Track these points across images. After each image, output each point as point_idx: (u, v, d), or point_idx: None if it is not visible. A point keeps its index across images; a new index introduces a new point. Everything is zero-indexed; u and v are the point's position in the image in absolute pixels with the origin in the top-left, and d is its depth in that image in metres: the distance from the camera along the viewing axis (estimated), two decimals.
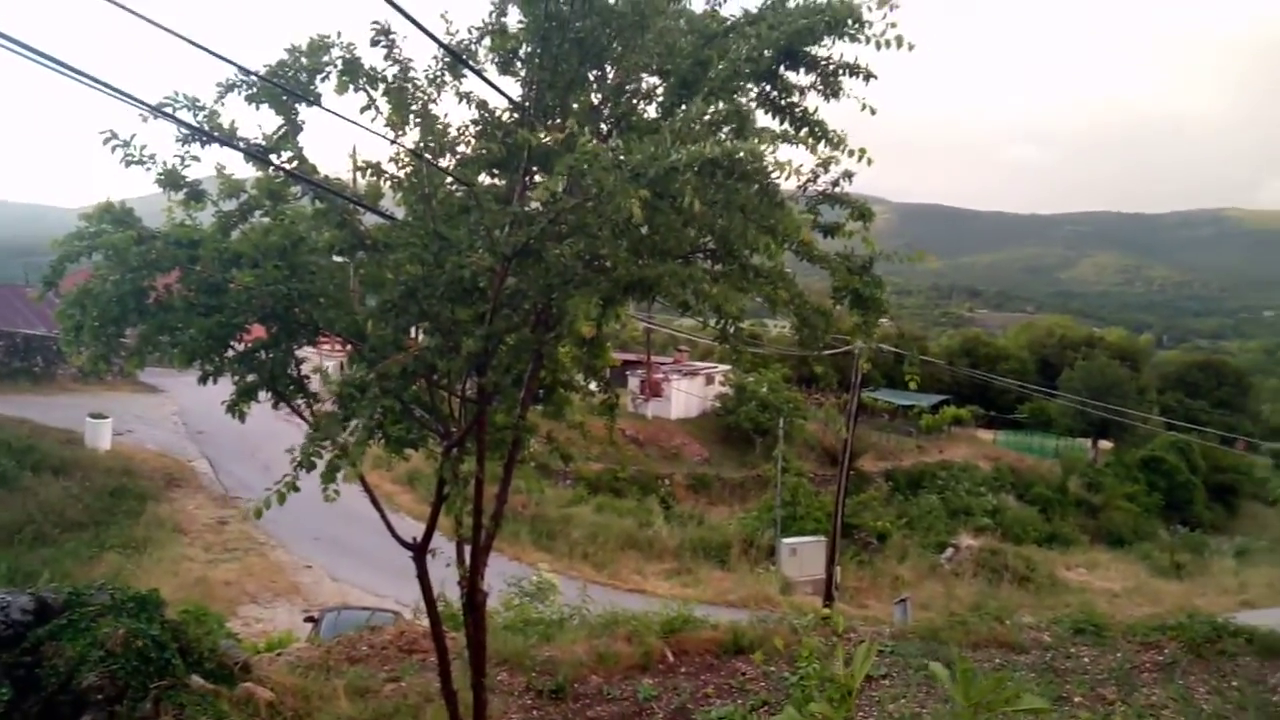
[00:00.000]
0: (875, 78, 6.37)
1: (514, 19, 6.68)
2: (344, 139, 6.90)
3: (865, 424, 46.60)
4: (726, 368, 46.85)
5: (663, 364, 52.15)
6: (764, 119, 6.72)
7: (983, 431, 59.20)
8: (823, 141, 6.44)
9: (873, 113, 6.32)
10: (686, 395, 49.36)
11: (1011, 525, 40.04)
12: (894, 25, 5.99)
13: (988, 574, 31.02)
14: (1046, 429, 60.32)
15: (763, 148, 5.13)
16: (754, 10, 6.68)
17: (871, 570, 31.36)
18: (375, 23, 5.78)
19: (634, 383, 48.47)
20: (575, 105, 6.55)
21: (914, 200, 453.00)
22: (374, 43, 5.85)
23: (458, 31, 6.58)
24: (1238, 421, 66.63)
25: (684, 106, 6.24)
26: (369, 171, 6.61)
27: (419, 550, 6.53)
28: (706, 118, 5.96)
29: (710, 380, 50.91)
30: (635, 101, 6.73)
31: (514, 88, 6.74)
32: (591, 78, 6.67)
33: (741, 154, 4.72)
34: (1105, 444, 58.04)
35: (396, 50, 5.91)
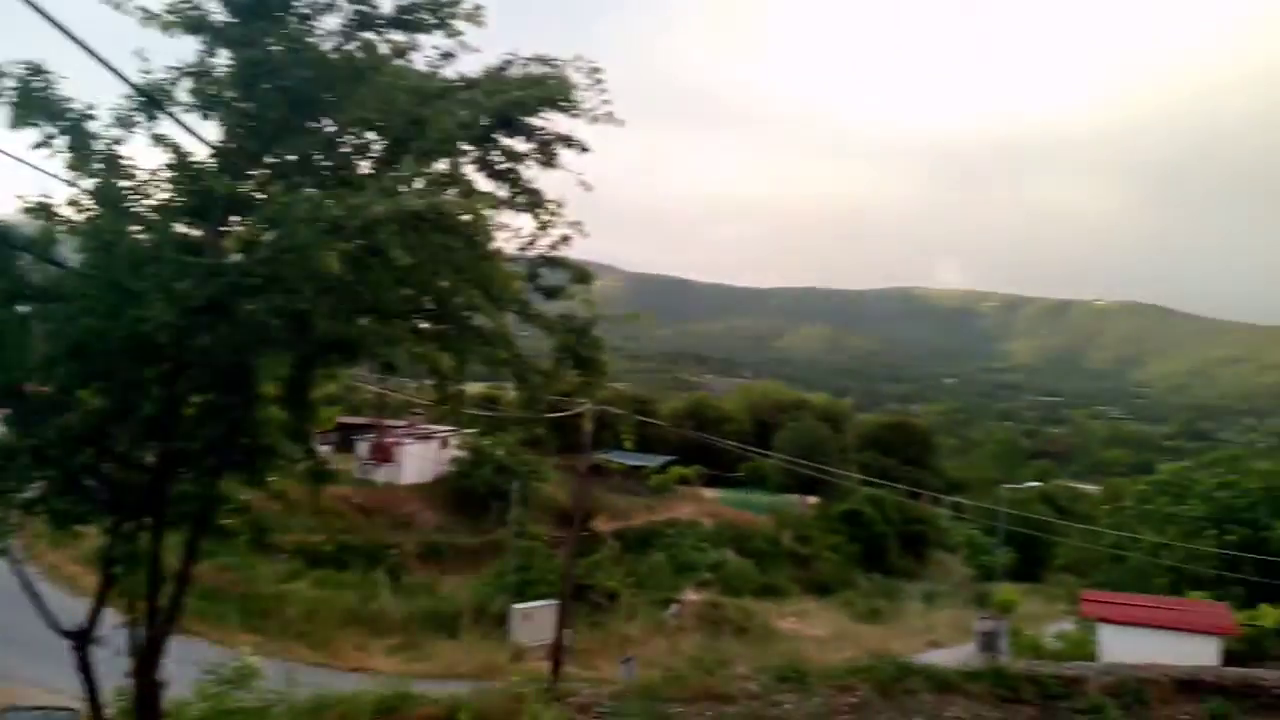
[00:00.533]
0: (588, 150, 6.61)
1: (222, 60, 6.32)
2: (16, 178, 6.17)
3: (599, 485, 47.40)
4: (468, 431, 46.16)
5: (395, 428, 50.41)
6: (486, 184, 6.79)
7: (707, 490, 62.08)
8: (538, 207, 6.57)
9: (588, 188, 6.55)
10: (420, 460, 47.92)
11: (732, 579, 41.95)
12: (607, 103, 6.27)
13: (709, 627, 32.21)
14: (762, 486, 64.32)
15: (482, 209, 5.14)
16: (473, 76, 6.76)
17: (603, 631, 31.61)
18: (28, 63, 5.23)
19: (363, 448, 46.40)
20: (285, 156, 6.27)
21: (647, 270, 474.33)
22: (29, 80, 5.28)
23: (153, 70, 6.12)
24: (924, 477, 74.41)
25: (399, 164, 6.15)
26: (40, 214, 5.91)
27: (79, 638, 5.76)
28: (418, 181, 5.89)
29: (445, 444, 49.82)
30: (350, 155, 6.55)
31: (216, 133, 6.34)
32: (304, 128, 6.42)
33: (446, 207, 4.70)
34: (812, 499, 62.71)
35: (53, 89, 5.37)
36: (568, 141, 6.53)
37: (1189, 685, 12.13)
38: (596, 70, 6.10)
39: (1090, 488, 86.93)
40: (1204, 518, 32.22)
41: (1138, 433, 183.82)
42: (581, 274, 7.11)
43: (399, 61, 6.68)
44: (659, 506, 53.78)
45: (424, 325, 6.72)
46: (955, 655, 18.68)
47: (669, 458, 59.84)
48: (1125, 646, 16.33)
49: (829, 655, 24.44)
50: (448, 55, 6.66)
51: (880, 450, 78.00)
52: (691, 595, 36.32)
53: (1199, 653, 16.46)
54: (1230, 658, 19.27)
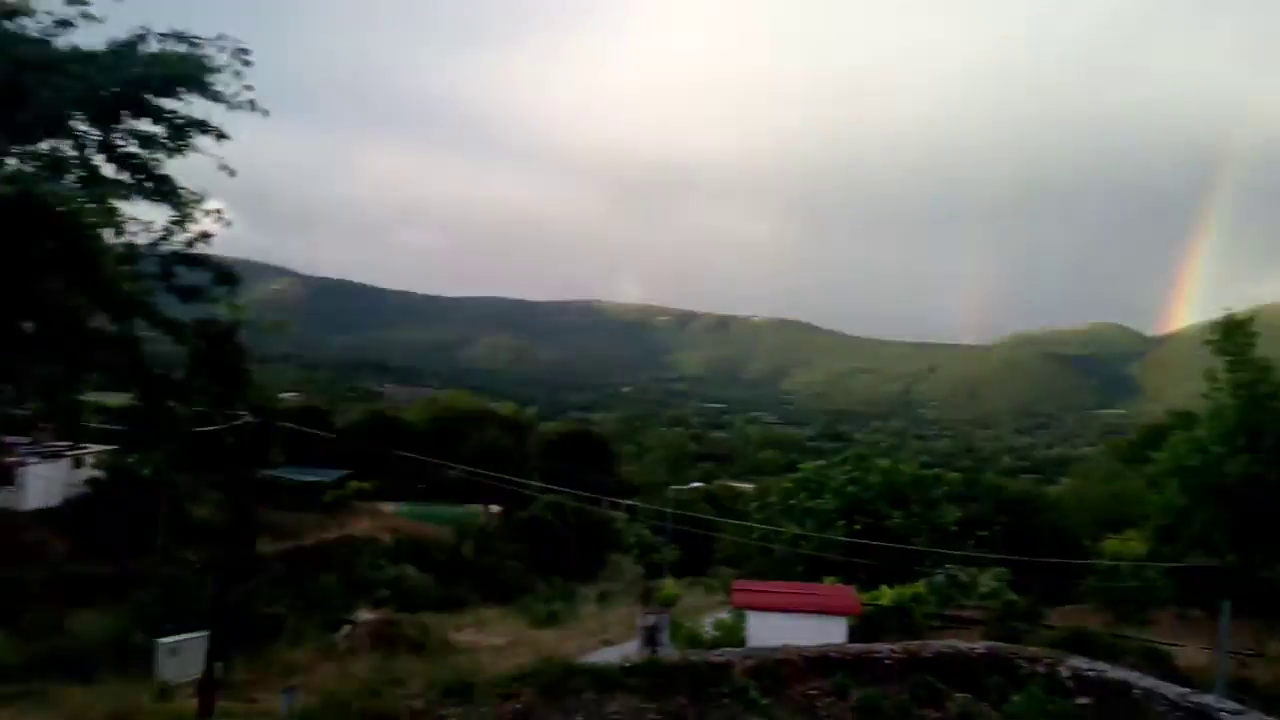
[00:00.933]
0: (227, 137, 6.14)
1: None
2: None
3: (266, 503, 44.21)
4: (108, 447, 41.07)
5: (17, 444, 43.71)
6: (110, 171, 6.03)
7: (387, 504, 60.12)
8: (172, 198, 5.98)
9: (231, 173, 6.08)
10: (47, 481, 41.97)
11: (410, 594, 40.93)
12: (249, 88, 5.83)
13: (384, 647, 31.13)
14: (445, 497, 63.44)
15: (83, 201, 4.55)
16: (92, 48, 6.02)
17: (265, 660, 29.49)
18: None
19: None
20: None
21: (326, 275, 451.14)
22: None
23: None
24: (603, 481, 77.19)
25: None
26: None
27: None
28: (13, 160, 5.13)
29: (79, 463, 44.00)
30: None
31: None
32: None
33: (41, 196, 4.12)
34: (496, 508, 62.84)
35: None
36: (203, 127, 6.02)
37: (819, 662, 13.55)
38: (244, 51, 5.67)
39: (747, 486, 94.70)
40: (836, 510, 36.38)
41: (786, 435, 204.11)
42: (225, 274, 6.57)
43: (4, 23, 5.80)
44: (334, 524, 51.25)
45: (25, 327, 5.86)
46: (623, 651, 19.49)
47: (345, 471, 57.25)
48: (769, 630, 17.92)
49: (505, 663, 24.53)
50: (64, 23, 5.89)
51: (562, 457, 79.81)
52: (366, 615, 34.91)
53: (830, 631, 18.44)
54: (856, 634, 21.85)
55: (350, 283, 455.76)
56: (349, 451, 56.73)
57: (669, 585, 43.98)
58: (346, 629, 33.73)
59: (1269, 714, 14.22)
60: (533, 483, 59.75)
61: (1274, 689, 21.25)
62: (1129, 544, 33.51)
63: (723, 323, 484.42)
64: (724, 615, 28.20)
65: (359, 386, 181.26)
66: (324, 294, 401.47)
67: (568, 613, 42.08)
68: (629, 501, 71.10)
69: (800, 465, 44.54)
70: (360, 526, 51.45)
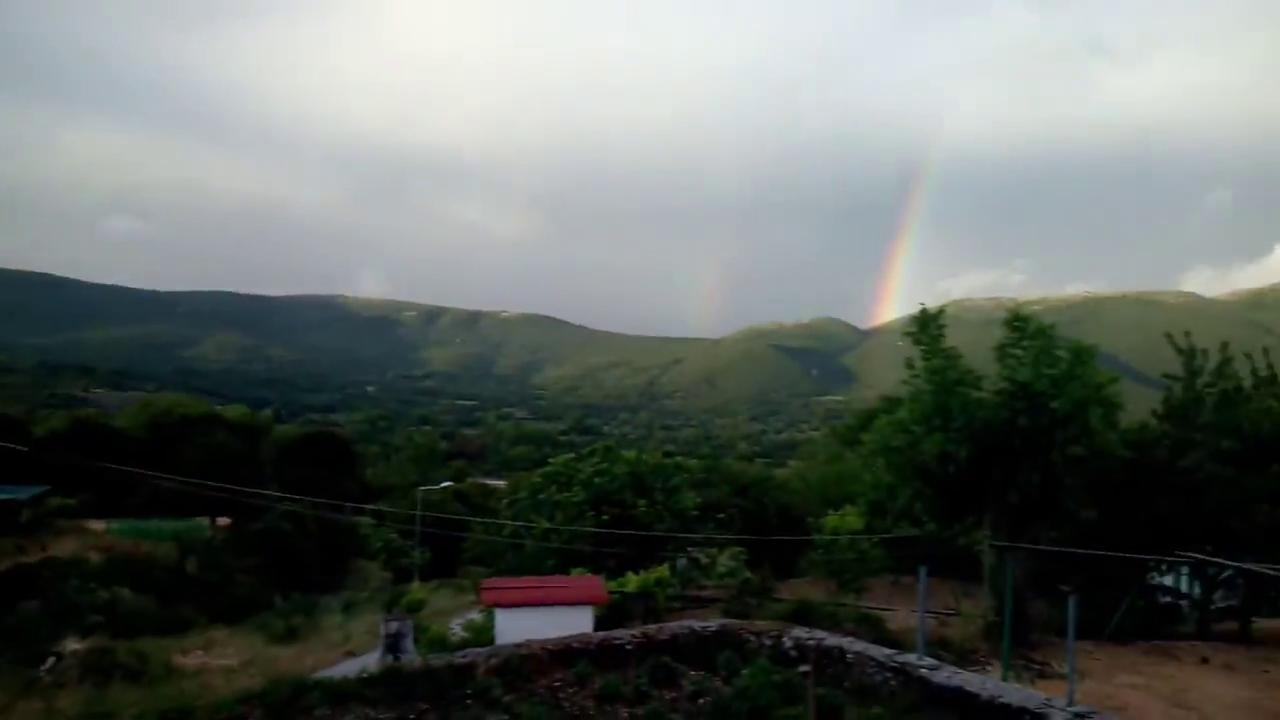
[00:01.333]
0: None
1: None
2: None
3: None
4: None
5: None
6: None
7: (96, 521, 54.38)
8: None
9: None
10: None
11: (127, 619, 37.30)
12: None
13: (97, 677, 28.18)
14: (165, 511, 58.33)
15: None
16: None
17: None
18: None
19: None
20: None
21: (17, 267, 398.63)
22: None
23: None
24: (347, 486, 74.10)
25: None
26: None
27: None
28: None
29: None
30: None
31: None
32: None
33: None
34: (225, 520, 58.62)
35: None
36: None
37: (562, 654, 13.74)
38: None
39: (499, 483, 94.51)
40: (584, 501, 37.08)
41: (538, 430, 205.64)
42: None
43: None
44: (34, 546, 45.67)
45: None
46: (366, 662, 18.83)
47: (43, 487, 51.11)
48: (518, 627, 17.94)
49: (236, 685, 22.94)
50: None
51: (300, 462, 75.78)
52: (74, 645, 31.39)
53: (577, 623, 18.73)
54: (604, 622, 22.39)
55: (47, 275, 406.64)
56: (49, 464, 50.73)
57: (415, 589, 43.00)
58: (51, 661, 30.25)
59: (961, 666, 16.10)
60: (264, 492, 56.27)
61: (967, 644, 24.09)
62: (847, 519, 36.61)
63: (473, 318, 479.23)
64: (474, 615, 27.95)
65: (61, 392, 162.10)
66: (13, 288, 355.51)
67: (308, 626, 40.02)
68: (374, 506, 68.83)
69: (550, 460, 44.96)
70: (65, 547, 46.22)
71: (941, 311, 27.31)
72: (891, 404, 36.61)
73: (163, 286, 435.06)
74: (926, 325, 26.73)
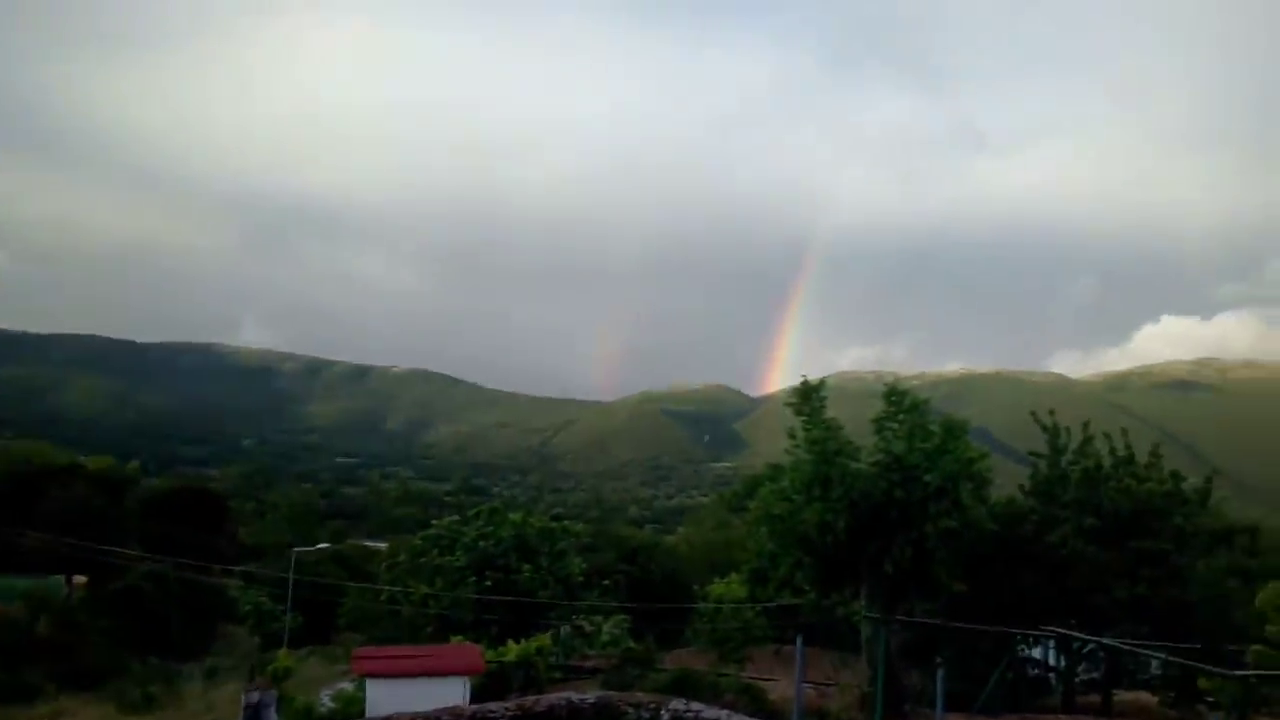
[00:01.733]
0: None
1: None
2: None
3: None
4: None
5: None
6: None
7: None
8: None
9: None
10: None
11: None
12: None
13: None
14: (17, 568, 54.37)
15: None
16: None
17: None
18: None
19: None
20: None
21: None
22: None
23: None
24: (217, 545, 70.45)
25: None
26: None
27: None
28: None
29: None
30: None
31: None
32: None
33: None
34: (82, 578, 55.05)
35: None
36: None
37: None
38: None
39: (381, 545, 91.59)
40: (466, 566, 36.37)
41: (425, 490, 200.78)
42: None
43: None
44: None
45: None
46: None
47: None
48: (389, 698, 17.40)
49: None
50: None
51: (168, 518, 71.83)
52: None
53: (451, 693, 18.27)
54: (482, 692, 21.84)
55: None
56: None
57: (282, 656, 41.08)
58: None
59: None
60: (124, 551, 53.18)
61: (844, 715, 24.43)
62: (731, 587, 36.90)
63: (360, 372, 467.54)
64: (346, 685, 26.89)
65: None
66: None
67: (168, 695, 37.71)
68: (244, 567, 65.84)
69: (434, 521, 43.99)
70: None
71: (822, 383, 28.22)
72: (775, 472, 37.34)
73: (33, 328, 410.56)
74: (808, 396, 27.54)
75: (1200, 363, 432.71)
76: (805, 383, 27.84)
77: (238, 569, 62.10)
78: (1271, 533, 36.23)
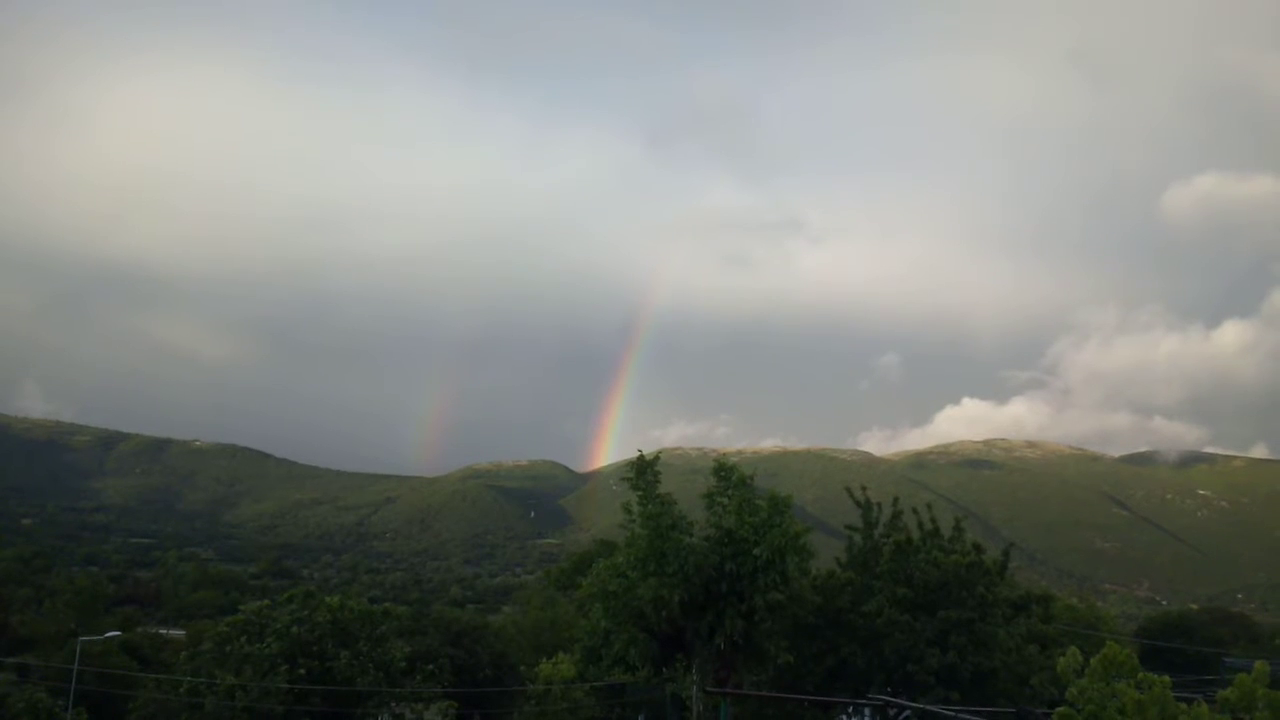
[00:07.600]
0: None
1: None
2: None
3: None
4: None
5: None
6: None
7: None
8: None
9: None
10: None
11: None
12: None
13: None
14: None
15: None
16: None
17: None
18: None
19: None
20: None
21: None
22: None
23: None
24: None
25: None
26: None
27: None
28: None
29: None
30: None
31: None
32: None
33: None
34: None
35: None
36: None
37: None
38: None
39: (178, 632, 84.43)
40: (278, 654, 33.94)
41: (227, 573, 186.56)
42: None
43: None
44: None
45: None
46: None
47: None
48: None
49: None
50: None
51: None
52: None
53: None
54: None
55: None
56: None
57: None
58: None
59: None
60: None
61: None
62: (560, 667, 36.23)
63: (158, 446, 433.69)
64: None
65: None
66: None
67: None
68: (18, 659, 59.02)
69: (240, 606, 40.97)
70: None
71: (657, 458, 28.67)
72: (608, 548, 37.34)
73: None
74: (644, 471, 27.90)
75: (989, 443, 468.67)
76: (641, 457, 28.21)
77: (9, 660, 55.64)
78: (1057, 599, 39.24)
